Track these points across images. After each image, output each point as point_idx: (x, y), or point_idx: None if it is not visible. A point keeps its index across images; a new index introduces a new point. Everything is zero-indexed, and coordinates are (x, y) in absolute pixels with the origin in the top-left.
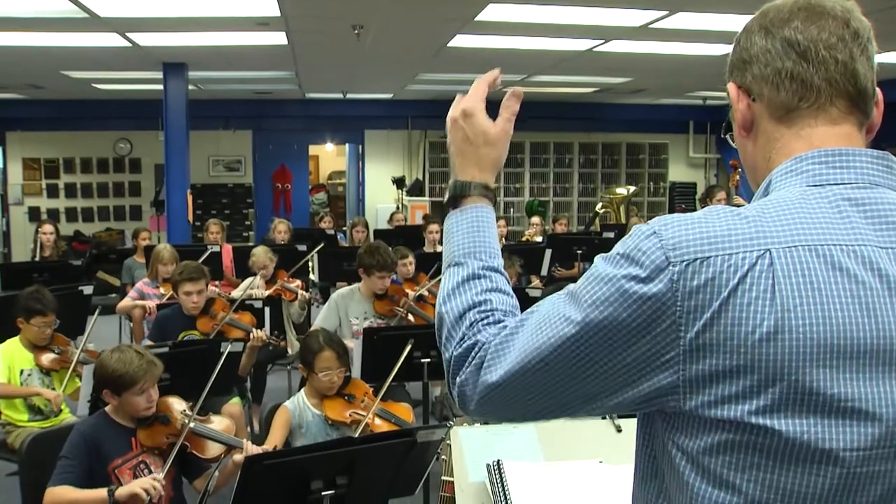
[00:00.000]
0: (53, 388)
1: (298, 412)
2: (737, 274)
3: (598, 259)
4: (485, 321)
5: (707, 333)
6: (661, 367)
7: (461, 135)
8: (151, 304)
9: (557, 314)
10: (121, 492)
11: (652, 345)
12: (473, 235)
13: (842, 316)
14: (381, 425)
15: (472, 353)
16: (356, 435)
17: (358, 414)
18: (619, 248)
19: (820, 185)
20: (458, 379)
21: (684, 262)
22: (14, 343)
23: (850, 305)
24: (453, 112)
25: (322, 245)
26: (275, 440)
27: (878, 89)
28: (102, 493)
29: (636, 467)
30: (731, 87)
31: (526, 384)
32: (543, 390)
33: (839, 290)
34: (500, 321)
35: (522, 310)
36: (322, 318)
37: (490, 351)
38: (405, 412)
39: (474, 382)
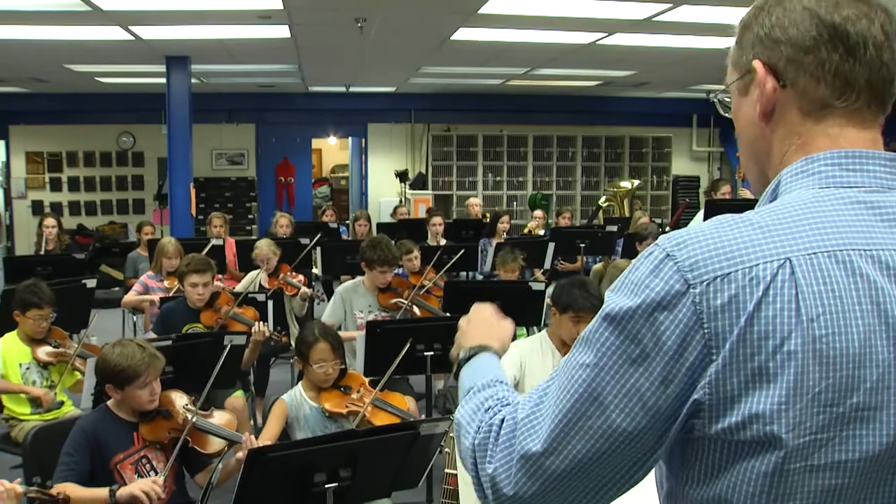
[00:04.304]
0: (52, 382)
1: (296, 405)
2: (759, 287)
3: (609, 295)
4: (500, 404)
5: (736, 351)
6: (694, 395)
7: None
8: (156, 297)
9: (580, 366)
10: (122, 492)
11: (687, 377)
12: (479, 372)
13: (862, 324)
14: (378, 415)
15: (497, 433)
16: (354, 426)
17: (355, 405)
18: (630, 277)
19: (833, 188)
20: (488, 467)
21: (705, 282)
22: (12, 337)
23: (870, 313)
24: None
25: (319, 236)
26: (269, 435)
27: None
28: (104, 492)
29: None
30: (757, 65)
31: (573, 450)
32: (592, 453)
33: (859, 297)
34: (516, 402)
35: (525, 304)
36: (329, 312)
37: (520, 424)
38: (402, 401)
39: (508, 463)
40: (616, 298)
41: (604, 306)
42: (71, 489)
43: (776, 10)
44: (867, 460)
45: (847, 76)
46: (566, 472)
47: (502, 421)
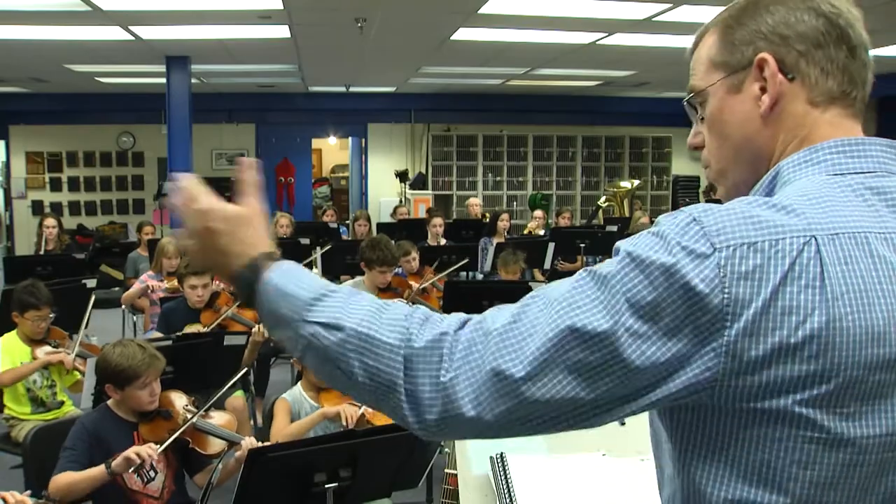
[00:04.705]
0: (52, 382)
1: (296, 404)
2: (785, 260)
3: (627, 244)
4: (425, 312)
5: (756, 323)
6: (700, 361)
7: (212, 235)
8: (155, 284)
9: (584, 296)
10: (116, 461)
11: (693, 336)
12: (309, 278)
13: (885, 304)
14: (379, 415)
15: (452, 341)
16: (354, 426)
17: (355, 405)
18: (654, 235)
19: (840, 175)
20: (443, 376)
21: (731, 248)
22: (12, 337)
23: (889, 294)
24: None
25: (329, 247)
26: (279, 428)
27: None
28: (100, 468)
29: (660, 464)
30: (768, 57)
31: (556, 380)
32: (574, 387)
33: (879, 278)
34: (446, 318)
35: None
36: None
37: (493, 336)
38: None
39: (472, 377)
40: (636, 248)
41: (623, 248)
42: (67, 476)
43: (777, 9)
44: (888, 435)
45: (851, 73)
46: (539, 401)
47: (460, 326)
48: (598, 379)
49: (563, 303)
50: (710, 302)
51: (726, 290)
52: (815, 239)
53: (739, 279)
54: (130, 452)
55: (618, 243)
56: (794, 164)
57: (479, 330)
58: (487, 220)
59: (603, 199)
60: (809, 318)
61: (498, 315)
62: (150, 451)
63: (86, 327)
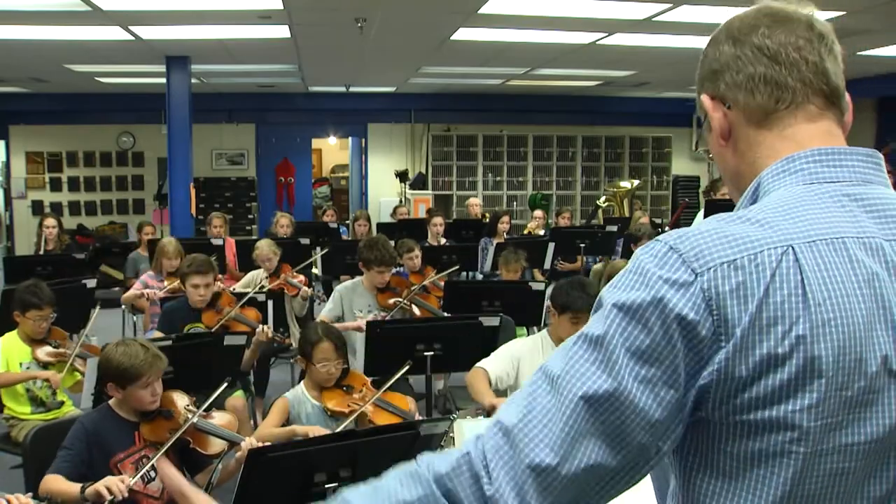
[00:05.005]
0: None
1: (298, 403)
2: (766, 272)
3: (610, 296)
4: (421, 455)
5: (747, 338)
6: (700, 383)
7: None
8: (154, 291)
9: (583, 362)
10: (90, 489)
11: (695, 364)
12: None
13: (865, 308)
14: (380, 415)
15: (482, 454)
16: (356, 426)
17: (357, 405)
18: (634, 272)
19: (817, 183)
20: (486, 489)
21: (712, 269)
22: (12, 336)
23: (869, 298)
24: None
25: (326, 251)
26: (269, 424)
27: (846, 93)
28: (77, 487)
29: (658, 477)
30: (704, 98)
31: (587, 452)
32: (605, 453)
33: (858, 283)
34: (452, 449)
35: (525, 304)
36: (327, 310)
37: (515, 431)
38: (404, 402)
39: (515, 479)
40: (620, 293)
41: (608, 299)
42: (53, 482)
43: (710, 50)
44: (872, 442)
45: (777, 81)
46: (579, 476)
47: (475, 442)
48: (626, 436)
49: (566, 377)
50: (702, 327)
51: (714, 313)
52: (793, 248)
53: (725, 298)
54: (101, 486)
55: (601, 293)
56: (773, 174)
57: (497, 434)
58: (487, 220)
59: (603, 199)
60: (794, 327)
61: (509, 411)
62: (120, 485)
63: (86, 329)
